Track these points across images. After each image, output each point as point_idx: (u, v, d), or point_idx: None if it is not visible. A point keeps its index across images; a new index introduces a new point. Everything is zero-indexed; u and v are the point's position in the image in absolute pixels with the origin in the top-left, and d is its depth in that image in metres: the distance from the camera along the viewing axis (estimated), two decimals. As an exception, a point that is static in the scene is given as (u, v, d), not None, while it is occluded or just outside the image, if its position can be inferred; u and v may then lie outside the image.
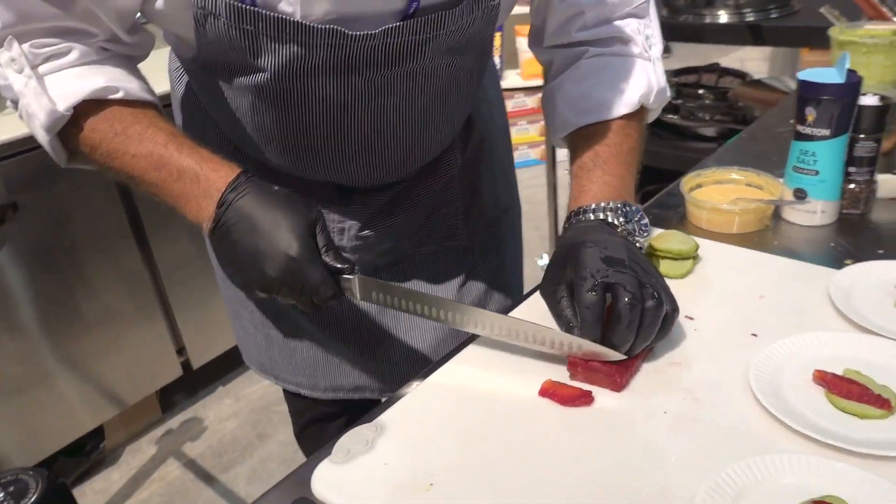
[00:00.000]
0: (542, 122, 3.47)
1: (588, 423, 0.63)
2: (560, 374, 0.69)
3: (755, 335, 0.72)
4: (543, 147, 3.38)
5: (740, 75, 2.29)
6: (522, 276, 1.20)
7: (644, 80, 0.86)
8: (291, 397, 1.21)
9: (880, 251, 0.87)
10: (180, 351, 2.10)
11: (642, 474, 0.57)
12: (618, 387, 0.66)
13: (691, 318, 0.75)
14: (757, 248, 0.89)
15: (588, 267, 0.68)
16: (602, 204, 0.79)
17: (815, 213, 0.93)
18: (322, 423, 1.20)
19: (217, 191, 0.71)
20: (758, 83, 2.15)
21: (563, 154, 3.44)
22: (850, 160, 0.93)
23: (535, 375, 0.68)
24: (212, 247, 1.05)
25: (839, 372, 0.65)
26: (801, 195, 0.93)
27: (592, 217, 0.79)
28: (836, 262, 0.85)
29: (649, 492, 0.55)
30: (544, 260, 2.40)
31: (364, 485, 0.59)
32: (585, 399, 0.65)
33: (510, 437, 0.62)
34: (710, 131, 2.13)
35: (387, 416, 0.66)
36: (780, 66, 3.19)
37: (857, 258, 0.84)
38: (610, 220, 0.78)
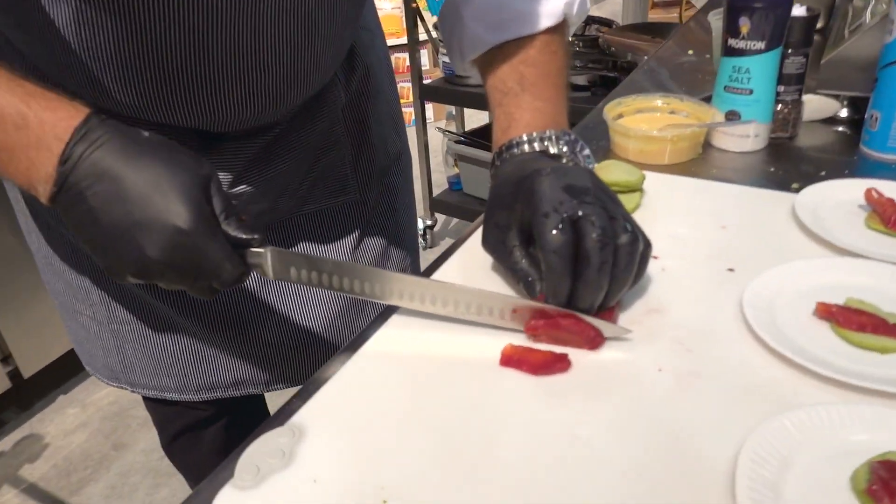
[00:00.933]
0: (408, 84, 3.29)
1: (571, 394, 0.49)
2: (518, 336, 0.54)
3: (731, 270, 0.62)
4: (408, 109, 3.22)
5: (607, 23, 2.24)
6: (417, 232, 1.05)
7: None
8: (154, 405, 0.99)
9: (822, 173, 0.80)
10: (6, 360, 1.80)
11: (658, 451, 0.44)
12: (595, 345, 0.53)
13: (656, 258, 0.63)
14: (694, 178, 0.79)
15: (549, 200, 0.54)
16: (536, 134, 0.66)
17: (748, 136, 0.85)
18: (197, 431, 0.99)
19: (57, 139, 0.49)
20: (629, 28, 2.11)
21: (431, 114, 3.31)
22: (779, 78, 0.85)
23: (489, 340, 0.54)
24: (29, 214, 0.82)
25: (840, 303, 0.55)
26: (734, 117, 0.84)
27: (528, 149, 0.65)
28: (783, 188, 0.76)
29: (676, 472, 0.42)
30: (419, 225, 2.26)
31: (288, 515, 0.42)
32: (561, 364, 0.51)
33: (477, 423, 0.47)
34: (581, 80, 2.06)
35: (304, 414, 0.49)
36: (630, 19, 3.22)
37: (804, 182, 0.76)
38: (551, 150, 0.64)
